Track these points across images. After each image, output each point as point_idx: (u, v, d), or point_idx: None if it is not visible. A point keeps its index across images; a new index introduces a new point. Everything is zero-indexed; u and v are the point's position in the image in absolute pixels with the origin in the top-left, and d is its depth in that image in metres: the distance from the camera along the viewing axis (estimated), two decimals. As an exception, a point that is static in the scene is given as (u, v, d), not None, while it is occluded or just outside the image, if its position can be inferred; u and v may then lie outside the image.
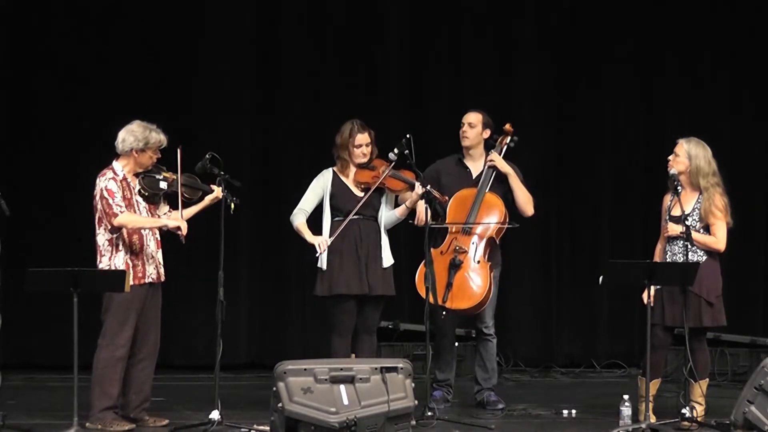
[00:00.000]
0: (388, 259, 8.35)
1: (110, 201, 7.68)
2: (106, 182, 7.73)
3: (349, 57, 11.00)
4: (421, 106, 10.96)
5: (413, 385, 7.13)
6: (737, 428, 7.48)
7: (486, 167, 8.62)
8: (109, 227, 7.71)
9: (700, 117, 10.70)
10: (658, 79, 11.09)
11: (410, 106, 11.01)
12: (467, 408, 8.67)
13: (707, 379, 8.05)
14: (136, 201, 7.83)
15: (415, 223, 8.39)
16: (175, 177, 7.81)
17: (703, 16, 10.98)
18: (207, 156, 7.88)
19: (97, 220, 7.79)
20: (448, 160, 8.79)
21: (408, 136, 8.22)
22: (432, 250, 8.32)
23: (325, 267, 8.26)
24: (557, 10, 11.11)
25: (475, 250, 8.47)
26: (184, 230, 7.77)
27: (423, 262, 8.22)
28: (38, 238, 10.53)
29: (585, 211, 11.19)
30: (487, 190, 8.56)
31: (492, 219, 8.51)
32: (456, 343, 9.40)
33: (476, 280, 8.42)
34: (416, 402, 7.14)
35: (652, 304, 7.78)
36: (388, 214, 8.39)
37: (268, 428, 7.23)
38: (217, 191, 7.86)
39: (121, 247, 7.74)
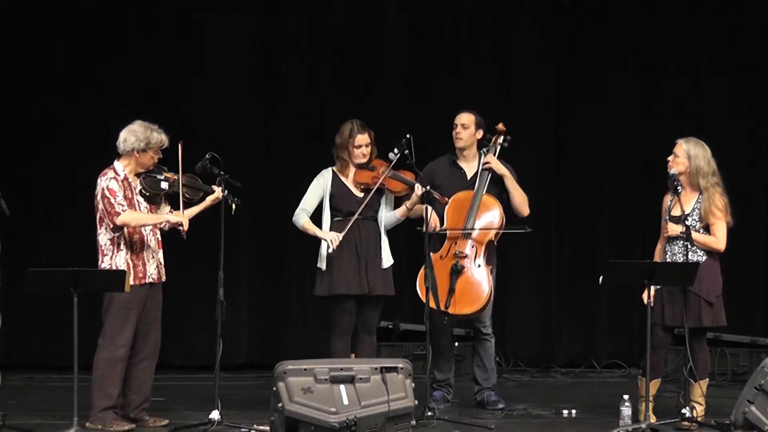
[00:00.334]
0: (387, 260, 8.34)
1: (112, 200, 7.68)
2: (107, 182, 7.73)
3: (350, 57, 10.99)
4: (421, 106, 10.96)
5: (413, 385, 7.13)
6: (737, 428, 7.48)
7: (481, 169, 8.61)
8: (111, 226, 7.71)
9: (700, 117, 10.70)
10: (658, 79, 11.09)
11: (410, 106, 11.00)
12: (467, 408, 8.67)
13: (707, 379, 8.05)
14: (137, 201, 7.83)
15: (427, 230, 8.37)
16: (176, 177, 7.81)
17: (704, 17, 10.97)
18: (207, 156, 7.88)
19: (98, 220, 7.79)
20: (441, 161, 8.78)
21: (408, 136, 8.22)
22: (431, 254, 8.33)
23: (324, 267, 8.26)
24: (558, 11, 11.11)
25: (476, 253, 8.47)
26: (186, 226, 7.78)
27: (423, 266, 8.22)
28: (39, 238, 10.54)
29: (585, 211, 11.18)
30: (484, 193, 8.56)
31: (491, 221, 8.50)
32: (456, 343, 9.42)
33: (479, 284, 8.43)
34: (416, 402, 7.14)
35: (652, 304, 7.78)
36: (387, 215, 8.39)
37: (268, 428, 7.23)
38: (218, 192, 7.86)
39: (122, 246, 7.74)
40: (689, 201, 7.99)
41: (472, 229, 8.45)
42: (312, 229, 8.27)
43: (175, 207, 7.92)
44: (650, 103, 11.15)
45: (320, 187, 8.35)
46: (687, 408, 7.74)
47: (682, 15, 10.99)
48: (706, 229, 7.97)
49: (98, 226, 7.79)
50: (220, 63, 10.93)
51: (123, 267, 7.69)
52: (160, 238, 7.93)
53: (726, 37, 10.95)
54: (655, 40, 11.06)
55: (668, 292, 7.92)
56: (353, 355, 8.24)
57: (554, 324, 11.14)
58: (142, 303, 7.77)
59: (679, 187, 7.94)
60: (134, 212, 7.74)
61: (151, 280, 7.80)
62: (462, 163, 8.73)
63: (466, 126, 8.68)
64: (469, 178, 8.67)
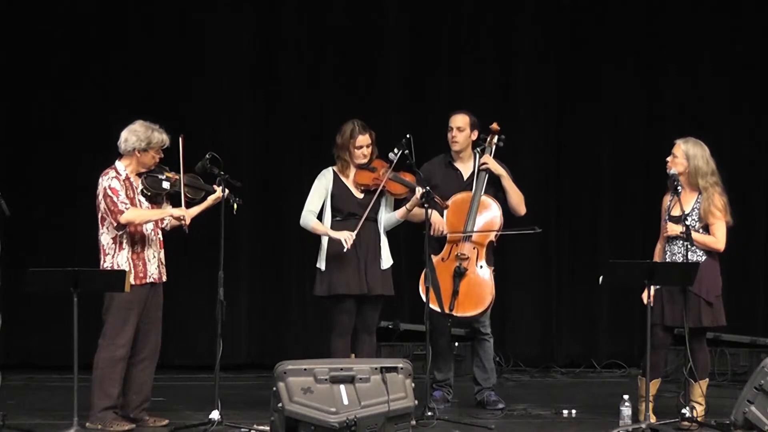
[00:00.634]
0: (387, 261, 8.34)
1: (115, 199, 7.68)
2: (109, 181, 7.73)
3: (350, 57, 10.99)
4: (421, 106, 10.95)
5: (413, 385, 7.13)
6: (737, 428, 7.48)
7: (478, 170, 8.61)
8: (115, 225, 7.70)
9: (700, 117, 10.70)
10: (658, 79, 11.08)
11: (410, 106, 11.00)
12: (467, 408, 8.67)
13: (707, 379, 8.05)
14: (139, 201, 7.83)
15: (432, 233, 8.36)
16: (178, 177, 7.81)
17: (704, 17, 10.97)
18: (207, 156, 7.88)
19: (100, 219, 7.78)
20: (436, 162, 8.76)
21: (408, 136, 8.21)
22: (432, 257, 8.33)
23: (324, 267, 8.25)
24: (558, 11, 11.10)
25: (477, 255, 8.47)
26: (188, 220, 7.77)
27: (425, 269, 8.22)
28: (39, 238, 10.54)
29: (585, 211, 11.18)
30: (482, 193, 8.56)
31: (491, 222, 8.50)
32: (456, 343, 9.42)
33: (482, 286, 8.44)
34: (416, 402, 7.14)
35: (651, 304, 7.78)
36: (387, 216, 8.38)
37: (268, 428, 7.23)
38: (220, 191, 7.85)
39: (125, 245, 7.74)
40: (688, 201, 7.99)
41: (476, 231, 8.44)
42: (323, 229, 8.25)
43: (176, 206, 7.91)
44: (650, 103, 11.15)
45: (323, 187, 8.34)
46: (687, 408, 7.74)
47: (682, 15, 10.98)
48: (706, 228, 7.97)
49: (100, 225, 7.79)
50: (220, 63, 10.93)
51: (125, 266, 7.69)
52: (161, 238, 7.93)
53: (726, 37, 10.95)
54: (655, 40, 11.06)
55: (668, 292, 7.92)
56: (353, 355, 8.24)
57: (554, 324, 11.13)
58: (143, 303, 7.77)
59: (679, 187, 7.94)
60: (137, 209, 7.75)
61: (152, 279, 7.80)
62: (458, 164, 8.72)
63: (461, 129, 8.67)
64: (465, 178, 8.67)
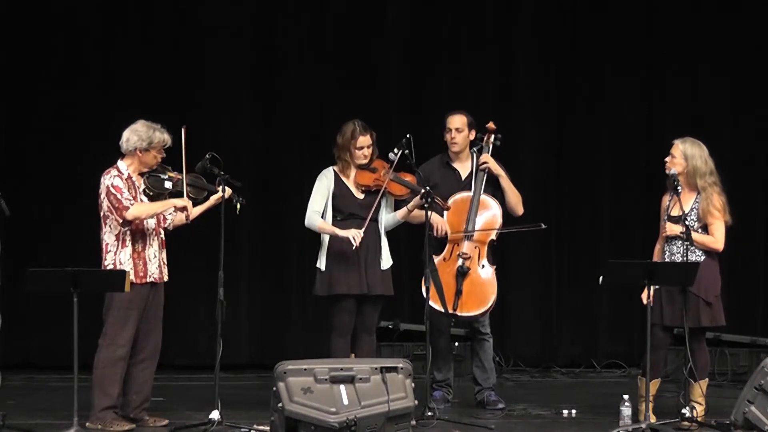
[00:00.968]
0: (387, 261, 8.34)
1: (118, 196, 7.68)
2: (111, 179, 7.73)
3: (350, 56, 10.99)
4: (421, 107, 10.95)
5: (413, 385, 7.13)
6: (737, 428, 7.48)
7: (477, 169, 8.61)
8: (121, 221, 7.69)
9: (700, 117, 10.70)
10: (659, 78, 11.09)
11: (410, 106, 11.00)
12: (467, 408, 8.67)
13: (707, 379, 8.05)
14: (141, 200, 7.82)
15: (435, 234, 8.35)
16: (180, 177, 7.81)
17: (704, 17, 10.97)
18: (207, 156, 7.88)
19: (102, 218, 7.78)
20: (434, 162, 8.75)
21: (408, 136, 8.22)
22: (434, 257, 8.33)
23: (324, 267, 8.25)
24: (558, 11, 11.10)
25: (479, 254, 8.47)
26: (191, 210, 7.76)
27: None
28: (39, 238, 10.54)
29: (585, 211, 11.18)
30: (482, 193, 8.56)
31: (491, 221, 8.51)
32: (455, 343, 9.41)
33: (485, 285, 8.44)
34: (416, 402, 7.14)
35: (651, 304, 7.77)
36: (387, 217, 8.38)
37: (268, 428, 7.23)
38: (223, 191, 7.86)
39: (127, 242, 7.74)
40: (687, 201, 7.99)
41: (479, 230, 8.44)
42: (330, 228, 8.23)
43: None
44: (650, 103, 11.15)
45: (325, 187, 8.33)
46: (687, 408, 7.74)
47: (682, 15, 10.98)
48: (704, 228, 7.97)
49: (102, 224, 7.78)
50: (220, 63, 10.92)
51: (127, 262, 7.69)
52: (164, 238, 7.93)
53: (726, 37, 10.94)
54: (655, 40, 11.06)
55: (667, 292, 7.92)
56: (353, 355, 8.24)
57: (554, 324, 11.14)
58: (143, 302, 7.76)
59: (678, 187, 7.93)
60: (142, 204, 7.75)
61: (152, 279, 7.80)
62: (455, 164, 8.72)
63: (460, 129, 8.66)
64: (463, 178, 8.67)
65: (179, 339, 10.24)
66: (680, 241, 7.92)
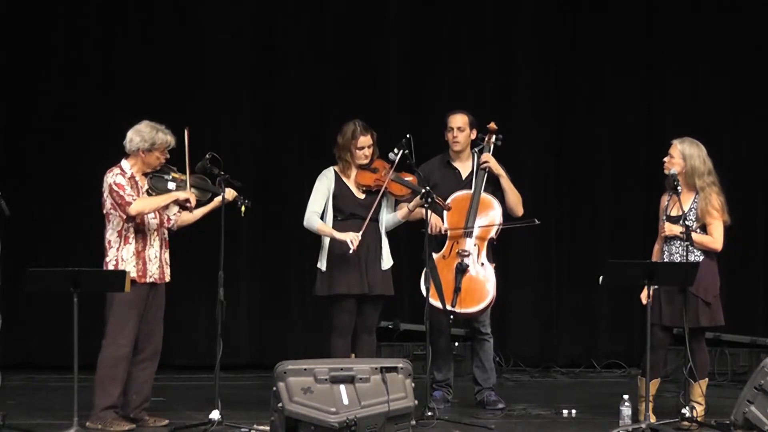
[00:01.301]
0: (387, 261, 8.34)
1: (121, 193, 7.67)
2: (114, 177, 7.73)
3: (350, 56, 10.99)
4: (421, 106, 10.95)
5: (413, 385, 7.13)
6: (737, 428, 7.48)
7: (478, 168, 8.61)
8: (125, 217, 7.69)
9: (700, 118, 10.70)
10: (659, 78, 11.09)
11: (410, 106, 11.00)
12: (467, 408, 8.67)
13: (707, 379, 8.05)
14: (144, 198, 7.84)
15: (430, 232, 8.35)
16: (184, 178, 7.80)
17: (704, 17, 10.97)
18: (207, 156, 7.88)
19: (105, 216, 7.78)
20: (435, 161, 8.76)
21: (408, 136, 8.21)
22: (434, 255, 8.33)
23: (324, 268, 8.25)
24: (558, 11, 11.10)
25: (478, 252, 8.47)
26: (193, 201, 7.75)
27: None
28: (39, 238, 10.54)
29: (585, 211, 11.18)
30: (482, 192, 8.56)
31: (491, 220, 8.51)
32: (456, 343, 9.41)
33: (484, 282, 8.44)
34: (416, 402, 7.14)
35: (651, 304, 7.77)
36: (388, 217, 8.38)
37: (268, 428, 7.23)
38: (229, 193, 7.84)
39: (131, 239, 7.73)
40: (686, 201, 7.98)
41: (477, 227, 8.45)
42: (328, 230, 8.23)
43: (183, 210, 7.91)
44: (650, 103, 11.15)
45: (325, 187, 8.32)
46: (687, 408, 7.74)
47: (682, 15, 10.98)
48: (703, 228, 7.96)
49: (106, 222, 7.78)
50: (220, 63, 10.93)
51: (130, 260, 7.69)
52: (167, 238, 7.93)
53: (726, 37, 10.95)
54: (655, 40, 11.06)
55: (666, 292, 7.92)
56: (353, 355, 8.23)
57: (554, 324, 11.14)
58: (143, 302, 7.76)
59: (678, 187, 7.93)
60: (144, 198, 7.73)
61: (152, 279, 7.79)
62: (456, 164, 8.72)
63: (462, 129, 8.67)
64: (464, 177, 8.68)
65: (179, 339, 10.23)
66: (679, 241, 7.92)
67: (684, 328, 7.76)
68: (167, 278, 7.91)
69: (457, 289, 8.37)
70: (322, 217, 8.29)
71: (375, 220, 8.32)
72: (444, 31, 11.12)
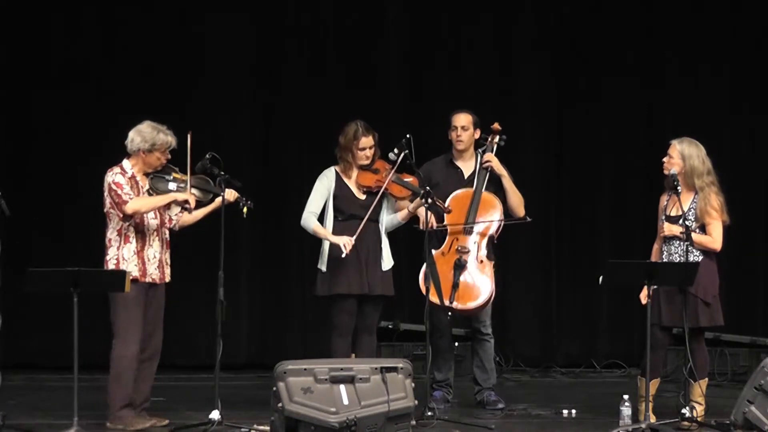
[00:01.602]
0: (388, 262, 8.34)
1: (119, 191, 7.67)
2: (113, 176, 7.73)
3: (350, 56, 10.99)
4: (420, 106, 10.95)
5: (413, 385, 7.13)
6: (737, 428, 7.48)
7: (480, 167, 8.61)
8: (122, 216, 7.69)
9: (700, 117, 10.70)
10: (658, 78, 11.08)
11: (410, 106, 11.00)
12: (467, 408, 8.67)
13: (707, 379, 8.05)
14: (143, 198, 7.83)
15: (420, 227, 8.36)
16: (185, 178, 7.79)
17: (704, 17, 10.98)
18: (207, 156, 7.87)
19: (106, 215, 7.77)
20: (438, 161, 8.76)
21: (408, 136, 8.21)
22: (433, 252, 8.33)
23: (325, 268, 8.25)
24: (558, 11, 11.10)
25: (477, 249, 8.47)
26: (192, 203, 7.75)
27: (425, 263, 8.22)
28: (39, 238, 10.55)
29: (585, 211, 11.18)
30: (483, 190, 8.56)
31: (491, 217, 8.52)
32: (456, 343, 9.41)
33: (482, 279, 8.43)
34: (416, 402, 7.13)
35: (651, 304, 7.77)
36: (389, 218, 8.38)
37: (268, 428, 7.23)
38: (230, 194, 7.84)
39: (131, 239, 7.73)
40: (685, 201, 7.98)
41: (473, 223, 8.45)
42: (323, 233, 8.23)
43: (183, 210, 7.91)
44: (650, 102, 11.15)
45: (325, 187, 8.32)
46: (687, 408, 7.74)
47: (682, 15, 10.98)
48: (702, 228, 7.96)
49: (108, 221, 7.77)
50: (220, 63, 10.93)
51: (131, 258, 7.69)
52: (168, 238, 7.92)
53: (726, 37, 10.95)
54: (656, 40, 11.06)
55: (665, 292, 7.91)
56: (353, 355, 8.23)
57: (554, 324, 11.14)
58: (144, 300, 7.74)
59: (678, 187, 7.93)
60: (141, 198, 7.72)
61: (150, 280, 7.79)
62: (459, 163, 8.72)
63: (465, 128, 8.66)
64: (466, 177, 8.67)
65: (179, 339, 10.22)
66: (678, 241, 7.92)
67: (684, 328, 7.76)
68: (167, 278, 7.90)
69: (455, 285, 8.36)
70: (322, 217, 8.29)
71: (375, 220, 8.32)
72: (444, 31, 11.12)
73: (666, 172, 8.01)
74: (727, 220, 7.98)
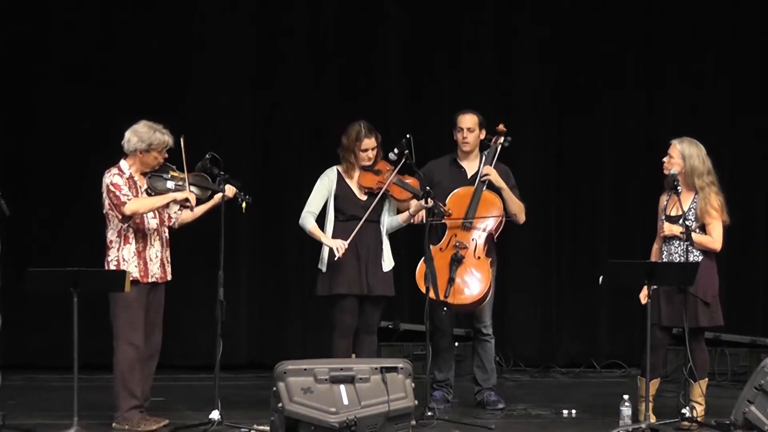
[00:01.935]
0: (389, 262, 8.34)
1: (117, 193, 7.67)
2: (111, 177, 7.73)
3: (350, 56, 10.99)
4: (421, 106, 10.95)
5: (413, 385, 7.13)
6: (737, 428, 7.48)
7: (479, 180, 8.57)
8: (120, 217, 7.69)
9: (700, 118, 10.70)
10: (659, 79, 11.08)
11: (410, 106, 11.00)
12: (467, 408, 8.67)
13: (707, 379, 8.05)
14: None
15: (414, 221, 8.37)
16: (184, 176, 7.80)
17: (705, 17, 10.97)
18: (207, 156, 7.88)
19: (105, 216, 7.77)
20: (442, 160, 8.76)
21: (408, 136, 8.21)
22: (431, 247, 8.32)
23: (325, 268, 8.25)
24: (558, 11, 11.10)
25: (475, 245, 8.47)
26: (193, 201, 7.75)
27: (423, 258, 8.22)
28: (39, 238, 10.54)
29: (585, 211, 11.18)
30: (484, 188, 8.56)
31: (491, 215, 8.52)
32: (456, 343, 9.40)
33: (478, 275, 8.43)
34: (416, 402, 7.14)
35: (650, 304, 7.77)
36: (389, 220, 8.38)
37: (268, 428, 7.23)
38: (229, 190, 7.84)
39: (131, 239, 7.73)
40: (685, 201, 7.98)
41: (473, 218, 8.45)
42: (318, 234, 8.23)
43: (183, 208, 7.91)
44: (650, 103, 11.15)
45: (325, 187, 8.32)
46: (687, 408, 7.75)
47: (683, 15, 10.98)
48: (702, 228, 7.96)
49: (107, 222, 7.77)
50: (220, 63, 10.93)
51: (131, 259, 7.69)
52: (168, 237, 7.92)
53: (727, 38, 10.95)
54: (656, 40, 11.05)
55: (665, 292, 7.91)
56: (353, 355, 8.23)
57: (554, 324, 11.13)
58: (145, 300, 7.74)
59: (679, 187, 7.93)
60: (140, 198, 7.72)
61: (153, 280, 7.79)
62: (463, 162, 8.73)
63: (471, 129, 8.66)
64: (469, 176, 8.68)
65: (179, 339, 10.23)
66: (678, 241, 7.92)
67: (684, 328, 7.76)
68: (169, 277, 7.90)
69: (450, 280, 8.36)
70: (323, 217, 8.29)
71: (376, 221, 8.32)
72: (444, 32, 11.11)
73: (666, 171, 8.01)
74: (727, 220, 7.98)
